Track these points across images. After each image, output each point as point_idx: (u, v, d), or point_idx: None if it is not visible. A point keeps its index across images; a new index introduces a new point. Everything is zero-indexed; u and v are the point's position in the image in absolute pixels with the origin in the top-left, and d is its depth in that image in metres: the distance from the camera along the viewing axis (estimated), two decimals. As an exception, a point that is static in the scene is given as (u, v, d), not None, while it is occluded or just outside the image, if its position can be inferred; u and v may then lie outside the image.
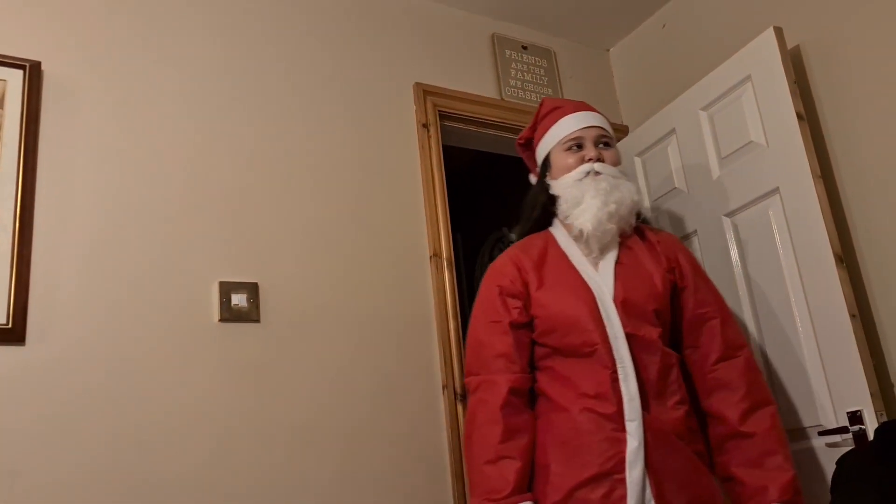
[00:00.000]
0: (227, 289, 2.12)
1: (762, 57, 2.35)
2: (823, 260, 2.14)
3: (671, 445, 1.73)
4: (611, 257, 1.89)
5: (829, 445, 2.07)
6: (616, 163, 1.96)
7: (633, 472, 1.67)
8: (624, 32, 3.23)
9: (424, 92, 2.69)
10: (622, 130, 3.12)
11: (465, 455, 1.85)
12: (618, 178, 1.91)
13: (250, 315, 2.13)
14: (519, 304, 1.87)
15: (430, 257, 2.50)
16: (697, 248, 2.55)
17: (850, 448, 1.92)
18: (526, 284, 1.88)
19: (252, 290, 2.16)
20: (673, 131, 2.69)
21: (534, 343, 1.88)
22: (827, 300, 2.13)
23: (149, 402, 1.95)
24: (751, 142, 2.38)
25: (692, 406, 1.85)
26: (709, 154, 2.54)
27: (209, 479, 1.96)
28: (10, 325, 1.83)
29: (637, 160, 2.87)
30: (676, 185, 2.66)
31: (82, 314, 1.94)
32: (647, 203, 2.80)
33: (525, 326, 1.87)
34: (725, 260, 2.43)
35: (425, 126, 2.65)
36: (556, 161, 1.98)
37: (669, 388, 1.80)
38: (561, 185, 1.92)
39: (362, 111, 2.56)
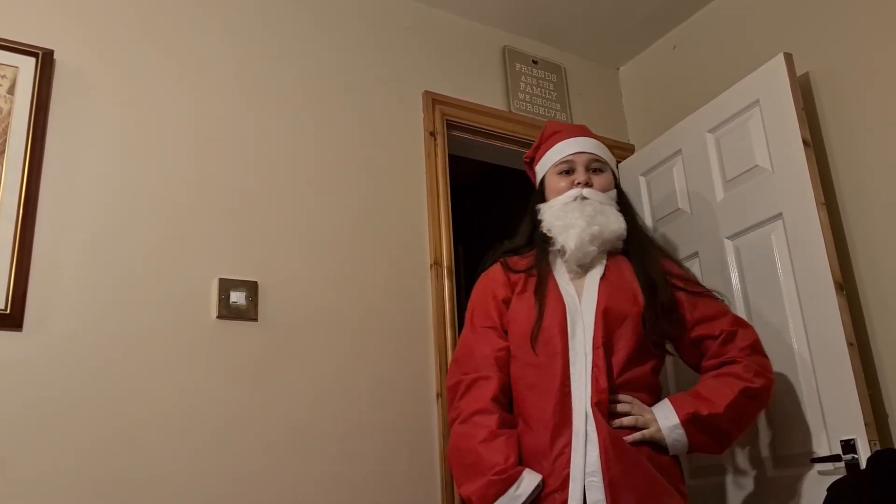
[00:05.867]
0: (226, 286, 2.12)
1: (771, 82, 2.36)
2: (823, 287, 2.14)
3: (631, 459, 1.73)
4: (596, 273, 1.93)
5: (821, 473, 2.06)
6: (607, 188, 2.00)
7: (575, 486, 1.70)
8: (635, 52, 3.24)
9: (433, 100, 2.70)
10: (628, 149, 3.13)
11: (452, 447, 1.84)
12: (605, 205, 1.96)
13: (248, 313, 2.13)
14: (506, 310, 1.94)
15: (431, 265, 2.50)
16: (698, 269, 2.55)
17: (841, 475, 1.91)
18: (513, 293, 1.95)
19: (251, 288, 2.16)
20: (679, 152, 2.70)
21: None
22: (825, 328, 2.13)
23: (143, 396, 1.94)
24: (756, 166, 2.38)
25: None
26: (714, 176, 2.54)
27: (200, 476, 1.95)
28: (8, 311, 1.83)
29: (642, 179, 2.88)
30: (680, 206, 2.67)
31: (81, 304, 1.94)
32: (650, 223, 2.80)
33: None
34: (726, 283, 2.43)
35: (432, 134, 2.65)
36: (549, 184, 2.05)
37: (638, 399, 1.84)
38: (548, 211, 1.98)
39: (370, 116, 2.57)
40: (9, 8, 2.05)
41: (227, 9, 2.41)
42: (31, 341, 1.86)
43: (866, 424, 2.00)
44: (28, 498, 1.75)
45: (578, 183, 1.96)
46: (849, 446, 2.01)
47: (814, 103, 2.45)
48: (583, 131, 2.11)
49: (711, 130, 2.57)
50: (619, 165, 3.04)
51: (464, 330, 2.00)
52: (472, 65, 2.91)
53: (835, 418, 2.07)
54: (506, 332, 1.93)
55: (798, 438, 2.15)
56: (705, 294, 1.98)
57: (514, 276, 1.98)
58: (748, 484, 2.29)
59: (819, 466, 2.07)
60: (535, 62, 3.07)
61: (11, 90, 1.99)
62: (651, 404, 1.85)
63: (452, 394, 1.90)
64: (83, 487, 1.82)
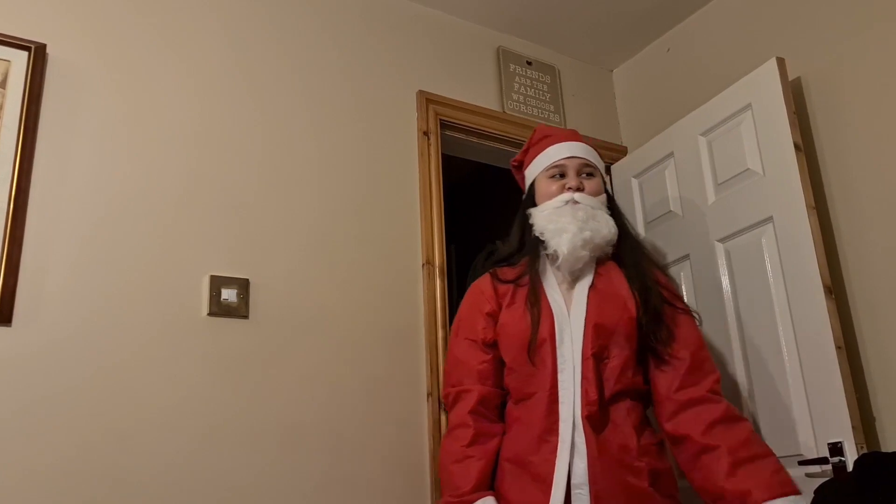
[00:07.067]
0: (217, 283, 2.11)
1: (763, 86, 2.37)
2: (813, 290, 2.16)
3: (619, 473, 1.73)
4: (585, 282, 1.92)
5: (809, 475, 2.07)
6: (597, 193, 2.00)
7: (557, 493, 1.71)
8: (629, 54, 3.25)
9: (427, 100, 2.70)
10: (621, 151, 3.14)
11: (439, 458, 1.91)
12: (596, 209, 1.95)
13: (239, 310, 2.13)
14: (493, 323, 1.94)
15: (423, 265, 2.50)
16: (689, 272, 2.56)
17: (828, 478, 1.92)
18: (500, 305, 1.95)
19: (243, 285, 2.15)
20: (671, 155, 2.71)
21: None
22: (814, 331, 2.14)
23: (133, 391, 1.94)
24: (747, 169, 2.39)
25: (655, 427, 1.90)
26: (705, 179, 2.56)
27: (189, 473, 1.94)
28: (-3, 306, 1.83)
29: (634, 181, 2.89)
30: (672, 209, 2.68)
31: (71, 299, 1.93)
32: (641, 225, 2.81)
33: (497, 345, 1.94)
34: (716, 285, 2.44)
35: (426, 134, 2.65)
36: (539, 188, 2.04)
37: (632, 412, 1.83)
38: (539, 214, 1.97)
39: (364, 115, 2.57)
40: (1, 1, 2.04)
41: (222, 5, 2.40)
42: (21, 337, 1.85)
43: (854, 427, 2.01)
44: (17, 495, 1.74)
45: (570, 188, 1.96)
46: (836, 449, 2.02)
47: (805, 108, 2.46)
48: (574, 136, 2.11)
49: (704, 133, 2.58)
50: (612, 167, 3.05)
51: (450, 340, 2.03)
52: (467, 65, 2.91)
53: (822, 421, 2.08)
54: (491, 345, 1.93)
55: (786, 440, 2.16)
56: (687, 312, 1.96)
57: (502, 288, 1.97)
58: (736, 486, 2.30)
59: (806, 468, 2.08)
60: (529, 63, 3.08)
61: (3, 84, 1.98)
62: (642, 412, 1.85)
63: (446, 404, 1.97)
64: (73, 484, 1.80)
